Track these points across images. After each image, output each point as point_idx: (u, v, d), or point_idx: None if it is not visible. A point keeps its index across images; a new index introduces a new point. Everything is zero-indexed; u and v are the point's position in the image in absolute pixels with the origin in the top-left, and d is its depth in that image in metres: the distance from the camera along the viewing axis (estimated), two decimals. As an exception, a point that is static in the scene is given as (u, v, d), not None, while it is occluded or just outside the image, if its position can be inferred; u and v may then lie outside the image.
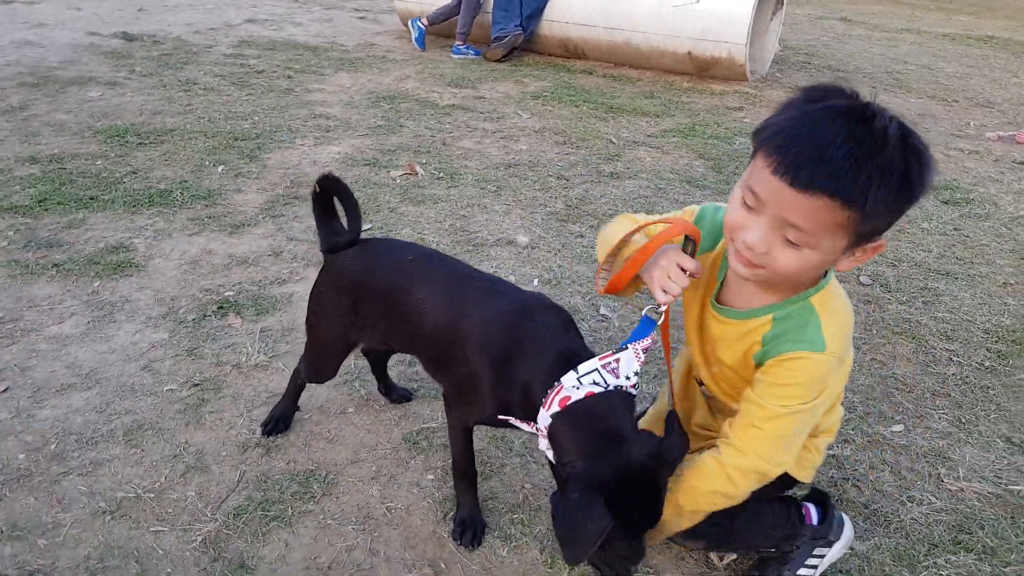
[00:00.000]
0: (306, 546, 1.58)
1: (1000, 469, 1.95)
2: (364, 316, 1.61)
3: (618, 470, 1.23)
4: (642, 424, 1.59)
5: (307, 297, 1.73)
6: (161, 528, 1.58)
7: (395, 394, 2.01)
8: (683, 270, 1.27)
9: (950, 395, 2.24)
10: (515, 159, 3.80)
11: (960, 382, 2.30)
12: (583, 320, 2.45)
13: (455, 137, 4.06)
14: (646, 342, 1.33)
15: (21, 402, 1.90)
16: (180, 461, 1.76)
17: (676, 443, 1.25)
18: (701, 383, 1.52)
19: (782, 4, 5.80)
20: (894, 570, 1.63)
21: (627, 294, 1.44)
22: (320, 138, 3.87)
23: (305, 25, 6.58)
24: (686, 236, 1.31)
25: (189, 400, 1.95)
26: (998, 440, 2.06)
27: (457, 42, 5.86)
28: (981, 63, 7.45)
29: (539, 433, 1.33)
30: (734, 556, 1.63)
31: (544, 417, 1.31)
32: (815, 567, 1.55)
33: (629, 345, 1.32)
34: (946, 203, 3.69)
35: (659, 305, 1.33)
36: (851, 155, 1.03)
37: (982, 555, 1.68)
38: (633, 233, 1.39)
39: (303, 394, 1.91)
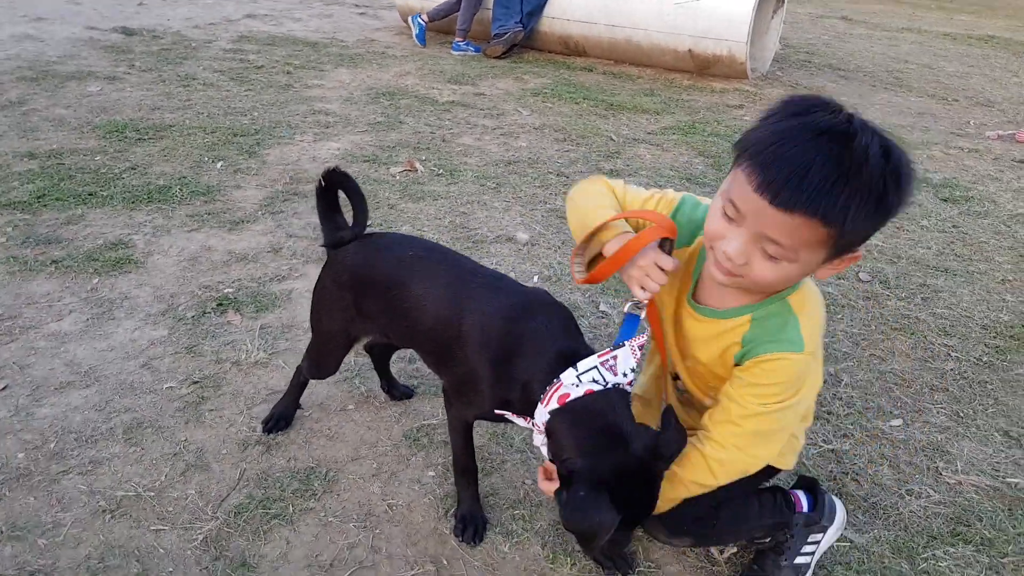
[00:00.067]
0: (307, 544, 1.58)
1: (997, 462, 1.97)
2: (365, 311, 1.61)
3: (618, 466, 1.24)
4: None
5: (307, 294, 1.73)
6: (162, 527, 1.58)
7: (397, 391, 2.01)
8: (661, 269, 1.28)
9: (948, 390, 2.25)
10: (515, 156, 3.80)
11: (958, 377, 2.31)
12: (583, 317, 2.45)
13: (455, 134, 4.05)
14: (641, 339, 1.34)
15: (20, 400, 1.90)
16: (180, 459, 1.76)
17: (673, 438, 1.27)
18: (676, 377, 1.52)
19: (783, 3, 5.80)
20: (893, 562, 1.64)
21: (602, 281, 1.45)
22: (319, 134, 3.86)
23: (305, 20, 6.56)
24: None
25: (189, 398, 1.95)
26: (996, 434, 2.07)
27: (457, 38, 5.85)
28: (982, 62, 7.45)
29: (535, 428, 1.34)
30: (734, 550, 1.64)
31: (542, 413, 1.31)
32: (811, 554, 1.57)
33: (625, 342, 1.32)
34: (945, 200, 3.70)
35: (639, 302, 1.34)
36: (831, 177, 1.05)
37: (980, 546, 1.70)
38: (613, 220, 1.38)
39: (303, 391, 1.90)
